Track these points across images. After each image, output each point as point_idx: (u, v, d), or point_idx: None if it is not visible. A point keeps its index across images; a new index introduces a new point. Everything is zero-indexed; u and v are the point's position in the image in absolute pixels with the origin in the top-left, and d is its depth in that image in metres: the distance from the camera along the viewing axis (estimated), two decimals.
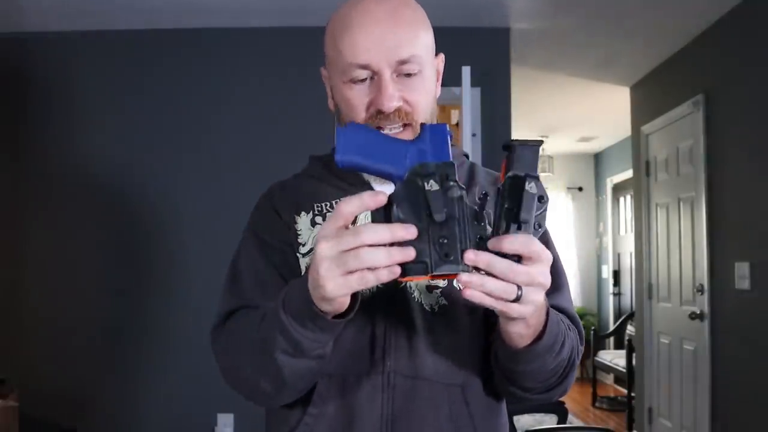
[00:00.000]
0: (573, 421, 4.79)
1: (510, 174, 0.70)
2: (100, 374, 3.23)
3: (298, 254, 0.95)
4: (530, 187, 0.68)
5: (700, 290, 3.40)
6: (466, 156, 1.07)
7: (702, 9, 3.14)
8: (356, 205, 0.68)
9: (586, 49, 3.74)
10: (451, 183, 0.69)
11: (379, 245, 0.66)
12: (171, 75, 3.35)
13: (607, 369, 5.72)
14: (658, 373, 3.98)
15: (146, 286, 3.28)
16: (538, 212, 0.69)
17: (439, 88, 0.99)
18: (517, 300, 0.69)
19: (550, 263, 0.71)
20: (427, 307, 0.92)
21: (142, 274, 3.29)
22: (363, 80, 0.89)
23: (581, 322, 0.98)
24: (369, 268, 0.66)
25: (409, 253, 0.66)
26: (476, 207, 0.70)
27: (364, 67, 0.88)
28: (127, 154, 3.32)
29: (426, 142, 0.73)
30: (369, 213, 0.71)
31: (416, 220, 0.68)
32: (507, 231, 0.69)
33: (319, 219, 0.96)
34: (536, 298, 0.71)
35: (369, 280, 0.67)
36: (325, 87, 1.00)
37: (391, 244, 0.67)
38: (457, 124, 3.33)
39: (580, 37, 3.53)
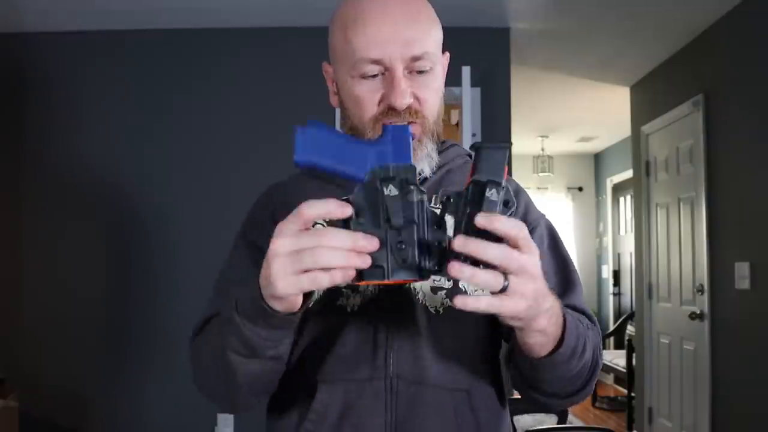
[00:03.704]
0: (573, 421, 4.79)
1: (474, 178, 0.68)
2: (100, 374, 3.23)
3: None
4: (491, 194, 0.66)
5: (700, 290, 3.40)
6: (470, 156, 1.02)
7: (702, 9, 3.14)
8: (320, 211, 0.65)
9: (587, 49, 3.74)
10: (411, 187, 0.67)
11: (337, 248, 0.64)
12: (171, 75, 3.35)
13: (607, 369, 5.72)
14: (658, 373, 3.97)
15: (146, 286, 3.28)
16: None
17: (443, 86, 0.96)
18: (503, 291, 0.66)
19: (538, 255, 0.68)
20: (431, 309, 0.89)
21: (142, 274, 3.29)
22: (374, 76, 0.87)
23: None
24: (323, 269, 0.64)
25: (366, 261, 0.65)
26: (437, 212, 0.68)
27: (377, 62, 0.85)
28: (126, 154, 3.32)
29: (387, 144, 0.70)
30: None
31: (374, 224, 0.67)
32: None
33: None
34: (526, 289, 0.67)
35: (322, 281, 0.65)
36: (326, 83, 0.97)
37: None
38: (457, 124, 3.33)
39: (580, 37, 3.53)
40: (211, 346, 0.82)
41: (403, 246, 0.66)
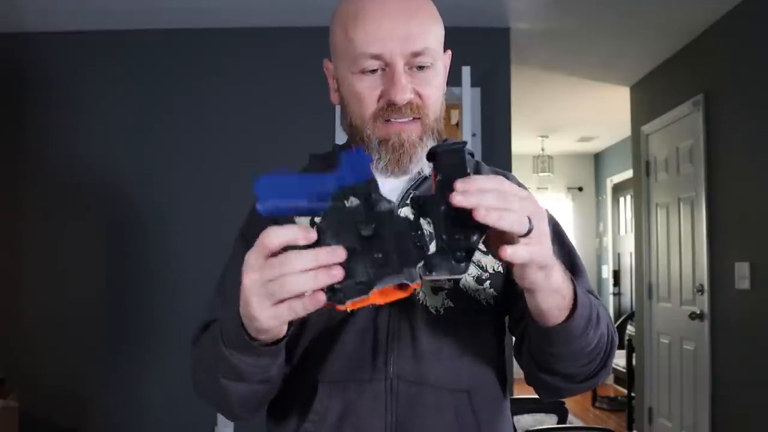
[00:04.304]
0: (573, 421, 4.79)
1: (439, 178, 0.68)
2: (100, 374, 3.23)
3: None
4: None
5: (700, 290, 3.40)
6: (471, 155, 1.02)
7: (702, 9, 3.14)
8: (283, 239, 0.64)
9: (587, 49, 3.73)
10: (376, 198, 0.67)
11: (305, 270, 0.63)
12: (171, 75, 3.35)
13: None
14: (658, 373, 3.98)
15: (147, 286, 3.27)
16: None
17: (445, 85, 0.97)
18: (529, 233, 0.65)
19: (533, 198, 0.68)
20: (432, 310, 0.89)
21: (142, 273, 3.28)
22: (374, 71, 0.87)
23: None
24: (297, 296, 0.64)
25: (335, 273, 0.63)
26: (411, 217, 0.69)
27: (377, 57, 0.86)
28: (126, 154, 3.31)
29: (347, 171, 0.69)
30: None
31: (347, 243, 0.65)
32: (451, 233, 0.66)
33: (318, 219, 0.94)
34: (544, 227, 0.68)
35: (297, 310, 0.64)
36: (327, 81, 0.98)
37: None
38: (457, 124, 3.33)
39: (580, 37, 3.53)
40: (204, 364, 0.83)
41: (380, 255, 0.65)
